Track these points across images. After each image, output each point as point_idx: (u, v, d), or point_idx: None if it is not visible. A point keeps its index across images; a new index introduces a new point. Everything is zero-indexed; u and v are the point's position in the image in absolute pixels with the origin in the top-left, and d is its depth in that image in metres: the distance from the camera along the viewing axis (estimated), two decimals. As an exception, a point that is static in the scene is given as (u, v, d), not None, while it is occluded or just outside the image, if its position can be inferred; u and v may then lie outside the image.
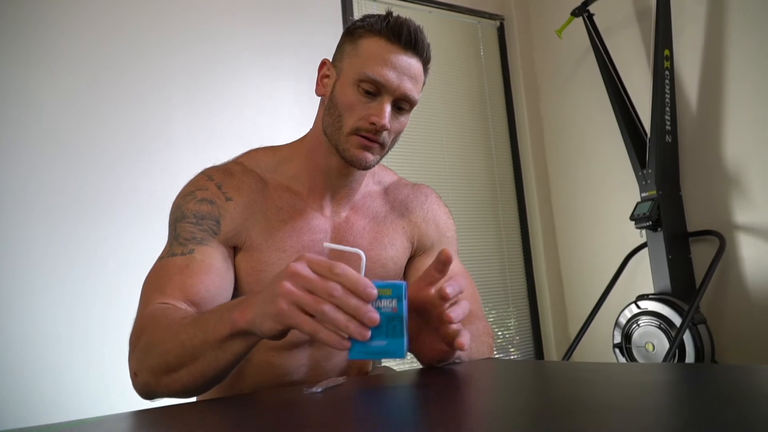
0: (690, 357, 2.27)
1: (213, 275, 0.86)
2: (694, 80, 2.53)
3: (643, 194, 2.52)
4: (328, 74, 0.94)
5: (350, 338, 0.61)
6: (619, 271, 2.65)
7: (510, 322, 3.04)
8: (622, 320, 2.47)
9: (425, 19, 2.98)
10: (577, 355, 2.62)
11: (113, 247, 2.03)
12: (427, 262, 1.00)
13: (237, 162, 0.98)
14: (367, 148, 0.89)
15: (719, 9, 2.44)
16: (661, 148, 2.48)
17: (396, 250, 1.01)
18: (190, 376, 0.71)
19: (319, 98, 0.97)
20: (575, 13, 2.77)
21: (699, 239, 2.52)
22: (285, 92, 2.47)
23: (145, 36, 2.22)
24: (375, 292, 0.61)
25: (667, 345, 2.29)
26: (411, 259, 1.04)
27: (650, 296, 2.42)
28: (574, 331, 2.98)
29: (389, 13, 0.90)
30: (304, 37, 2.54)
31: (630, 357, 2.45)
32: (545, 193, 3.18)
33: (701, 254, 2.49)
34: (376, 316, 0.61)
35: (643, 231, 2.53)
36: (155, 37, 2.24)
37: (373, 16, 0.91)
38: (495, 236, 3.06)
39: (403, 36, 0.87)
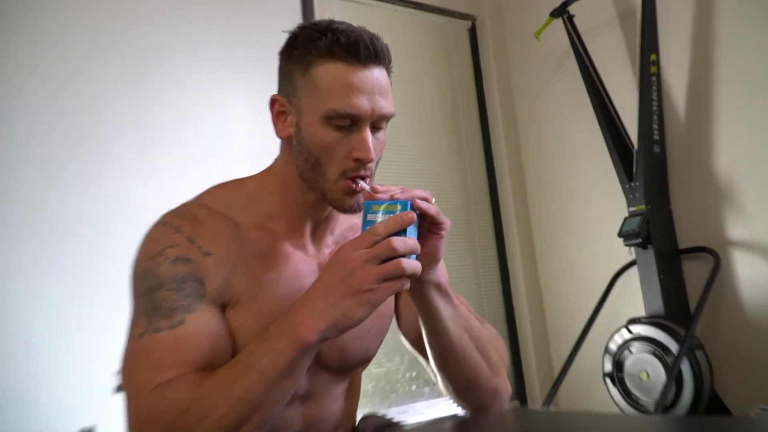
0: (688, 385, 2.18)
1: (213, 341, 0.80)
2: (682, 86, 2.49)
3: (631, 209, 2.45)
4: (283, 110, 0.87)
5: None
6: (607, 293, 2.55)
7: (487, 348, 2.85)
8: (613, 347, 2.37)
9: (390, 18, 2.85)
10: (565, 387, 2.48)
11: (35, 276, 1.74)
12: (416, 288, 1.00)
13: (201, 204, 0.89)
14: (357, 192, 0.84)
15: (707, 10, 2.41)
16: (649, 159, 2.43)
17: None
18: (254, 428, 0.72)
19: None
20: (554, 14, 2.70)
21: (691, 257, 2.46)
22: (235, 97, 2.23)
23: (67, 30, 1.95)
24: (413, 216, 0.75)
25: (662, 372, 2.20)
26: None
27: (642, 320, 2.33)
28: (557, 358, 2.86)
29: (330, 26, 0.81)
30: (259, 36, 2.31)
31: (622, 387, 2.34)
32: (523, 209, 3.07)
33: (693, 273, 2.43)
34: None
35: (632, 248, 2.44)
36: (78, 32, 1.97)
37: (309, 29, 0.83)
38: (469, 257, 2.93)
39: (362, 51, 0.80)
